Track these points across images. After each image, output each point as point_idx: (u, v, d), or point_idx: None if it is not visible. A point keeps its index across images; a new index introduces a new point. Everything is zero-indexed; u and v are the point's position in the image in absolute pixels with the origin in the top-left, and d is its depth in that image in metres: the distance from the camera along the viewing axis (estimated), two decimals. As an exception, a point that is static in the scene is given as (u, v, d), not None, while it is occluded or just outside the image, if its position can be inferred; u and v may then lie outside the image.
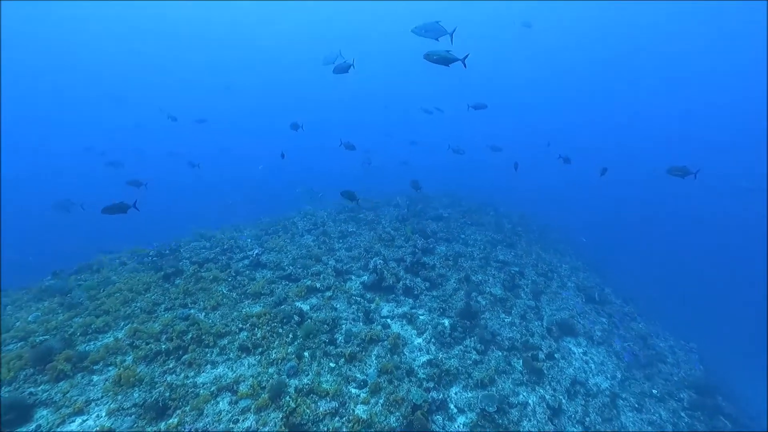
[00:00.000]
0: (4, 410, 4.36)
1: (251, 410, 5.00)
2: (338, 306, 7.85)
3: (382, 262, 9.24)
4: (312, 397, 5.35)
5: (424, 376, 6.30)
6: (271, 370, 5.73)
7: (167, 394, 4.95)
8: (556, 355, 7.94)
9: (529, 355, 7.52)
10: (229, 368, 5.74)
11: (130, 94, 55.30)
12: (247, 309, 7.24)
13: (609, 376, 8.21)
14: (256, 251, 9.69)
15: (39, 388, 4.91)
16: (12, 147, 42.19)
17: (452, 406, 6.00)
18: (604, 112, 67.43)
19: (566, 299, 10.42)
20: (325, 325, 6.89)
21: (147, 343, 5.90)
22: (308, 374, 5.81)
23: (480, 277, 9.97)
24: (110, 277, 8.16)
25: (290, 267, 9.04)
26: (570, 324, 9.08)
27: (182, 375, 5.45)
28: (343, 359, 6.25)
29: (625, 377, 8.40)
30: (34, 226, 21.22)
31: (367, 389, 5.75)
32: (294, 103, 62.36)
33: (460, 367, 6.72)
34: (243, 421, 4.85)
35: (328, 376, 5.87)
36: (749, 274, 25.12)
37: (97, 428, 4.42)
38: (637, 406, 7.70)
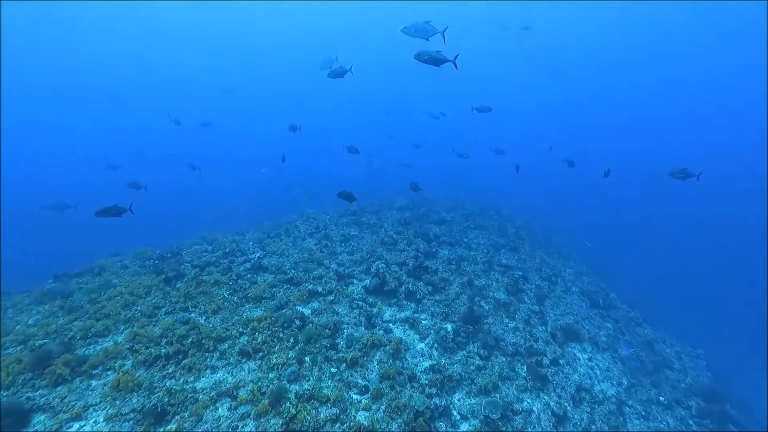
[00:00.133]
0: (1, 415, 4.31)
1: (251, 416, 4.92)
2: (340, 310, 7.77)
3: (384, 265, 9.17)
4: (313, 402, 5.28)
5: (426, 381, 6.21)
6: (271, 375, 5.66)
7: (166, 399, 4.89)
8: (560, 360, 7.82)
9: (534, 360, 7.40)
10: (229, 373, 5.67)
11: (130, 96, 55.69)
12: (248, 313, 7.18)
13: (615, 382, 8.07)
14: (258, 255, 9.65)
15: (37, 393, 4.86)
16: (12, 147, 42.49)
17: (455, 413, 5.90)
18: (604, 113, 67.43)
19: (571, 304, 10.30)
20: (327, 330, 6.82)
21: (147, 348, 5.85)
22: (309, 380, 5.73)
23: (483, 282, 9.87)
24: (111, 280, 8.13)
25: (292, 271, 8.98)
26: (575, 329, 8.96)
27: (182, 380, 5.38)
28: (344, 364, 6.17)
29: (632, 384, 8.26)
30: (34, 227, 21.27)
31: (369, 395, 5.67)
32: (294, 106, 62.62)
33: (463, 373, 6.62)
34: (242, 427, 4.78)
35: (329, 381, 5.79)
36: (749, 275, 24.97)
37: (95, 434, 4.36)
38: (643, 413, 7.56)
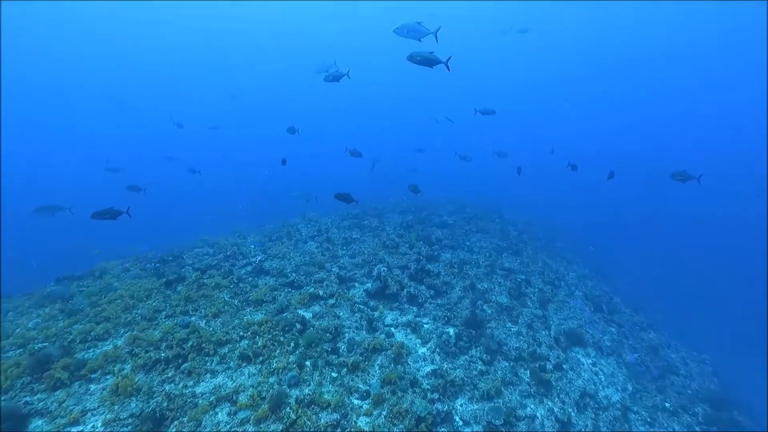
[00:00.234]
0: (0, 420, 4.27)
1: (250, 421, 4.86)
2: (341, 314, 7.71)
3: (386, 269, 9.12)
4: (313, 408, 5.21)
5: (428, 387, 6.13)
6: (271, 380, 5.60)
7: (165, 404, 4.84)
8: (564, 366, 7.72)
9: (537, 365, 7.30)
10: (228, 377, 5.61)
11: (130, 97, 55.92)
12: (249, 317, 7.13)
13: (620, 388, 7.96)
14: (259, 258, 9.62)
15: (35, 397, 4.82)
16: (12, 148, 42.68)
17: (458, 419, 5.81)
18: (604, 114, 67.37)
19: (574, 308, 10.19)
20: (328, 334, 6.76)
21: (146, 351, 5.81)
22: (309, 384, 5.67)
23: (485, 285, 9.79)
24: (112, 283, 8.11)
25: (293, 274, 8.93)
26: (578, 334, 8.85)
27: (181, 384, 5.33)
28: (345, 369, 6.10)
29: (637, 389, 8.14)
30: (34, 228, 21.31)
31: (370, 400, 5.59)
32: (295, 109, 62.83)
33: (465, 378, 6.53)
34: (242, 433, 4.72)
35: (330, 386, 5.72)
36: (749, 275, 24.87)
37: (93, 439, 4.31)
38: (649, 420, 7.44)
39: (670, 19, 39.82)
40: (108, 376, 5.35)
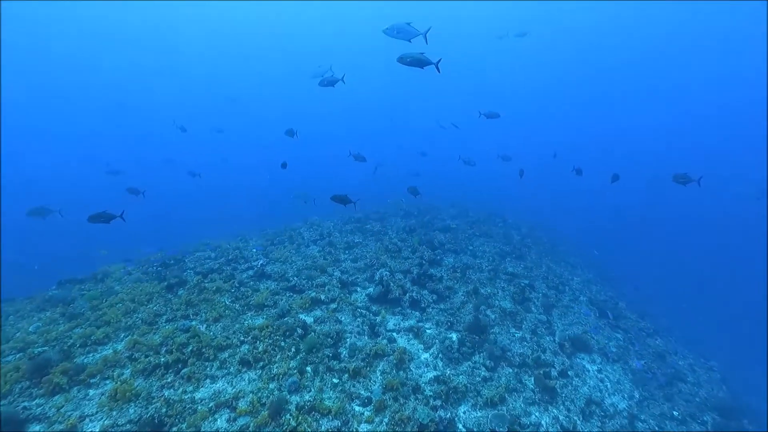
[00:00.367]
0: (-4, 425, 4.23)
1: (250, 428, 4.79)
2: (343, 319, 7.64)
3: (388, 273, 9.04)
4: (314, 414, 5.13)
5: (431, 393, 6.03)
6: (272, 386, 5.52)
7: (164, 410, 4.78)
8: (569, 372, 7.59)
9: (541, 372, 7.18)
10: (228, 383, 5.55)
11: (131, 99, 56.21)
12: (250, 321, 7.08)
13: (626, 395, 7.81)
14: (261, 262, 9.58)
15: (33, 402, 4.78)
16: (13, 150, 42.91)
17: (461, 426, 5.71)
18: (604, 116, 67.21)
19: (579, 313, 10.06)
20: (329, 339, 6.68)
21: (146, 356, 5.76)
22: (310, 390, 5.59)
23: (489, 290, 9.68)
24: (113, 286, 8.09)
25: (295, 278, 8.88)
26: (583, 340, 8.72)
27: (180, 390, 5.27)
28: (346, 375, 6.02)
29: (644, 397, 7.98)
30: (35, 230, 21.41)
31: (372, 407, 5.51)
32: (295, 112, 63.03)
33: (468, 385, 6.43)
34: (241, 440, 4.65)
35: (331, 392, 5.64)
36: (749, 276, 24.63)
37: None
38: (657, 428, 7.28)
39: (670, 20, 39.82)
40: (107, 381, 5.30)
